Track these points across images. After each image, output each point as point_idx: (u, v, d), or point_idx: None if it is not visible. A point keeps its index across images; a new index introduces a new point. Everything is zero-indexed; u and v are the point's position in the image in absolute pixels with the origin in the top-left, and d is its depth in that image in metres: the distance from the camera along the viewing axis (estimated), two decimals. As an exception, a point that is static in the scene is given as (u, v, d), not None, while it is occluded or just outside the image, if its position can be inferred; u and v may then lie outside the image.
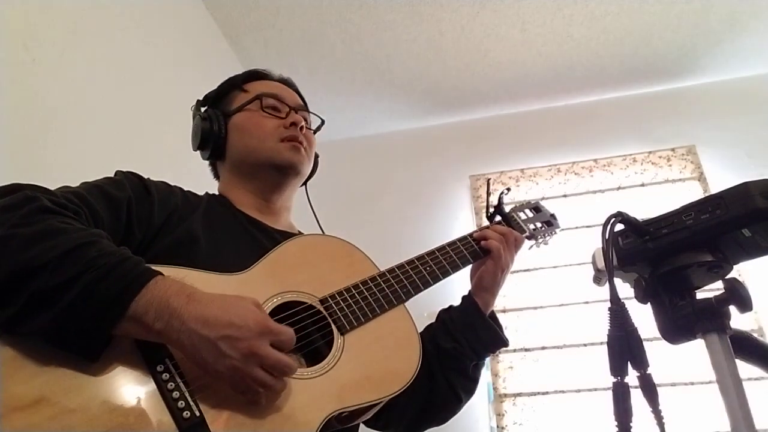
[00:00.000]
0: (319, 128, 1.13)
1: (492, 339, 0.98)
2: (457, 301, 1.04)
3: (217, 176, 1.11)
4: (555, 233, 1.22)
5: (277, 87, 1.08)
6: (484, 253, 1.02)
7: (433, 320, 1.03)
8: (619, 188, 2.76)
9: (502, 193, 1.15)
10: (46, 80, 1.41)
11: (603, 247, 0.64)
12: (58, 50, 1.47)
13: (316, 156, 1.13)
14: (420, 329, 0.90)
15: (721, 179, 2.61)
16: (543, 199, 2.76)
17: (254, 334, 0.65)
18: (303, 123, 1.03)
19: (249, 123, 1.01)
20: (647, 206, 2.55)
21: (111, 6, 1.74)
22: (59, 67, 1.46)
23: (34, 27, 1.39)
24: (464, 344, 0.96)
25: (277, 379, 0.67)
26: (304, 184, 1.12)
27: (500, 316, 1.04)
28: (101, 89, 1.62)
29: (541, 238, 1.18)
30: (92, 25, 1.63)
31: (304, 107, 1.10)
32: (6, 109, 1.26)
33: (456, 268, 0.99)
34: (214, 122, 1.02)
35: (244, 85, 1.07)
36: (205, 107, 1.07)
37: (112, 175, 0.88)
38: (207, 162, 1.12)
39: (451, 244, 1.02)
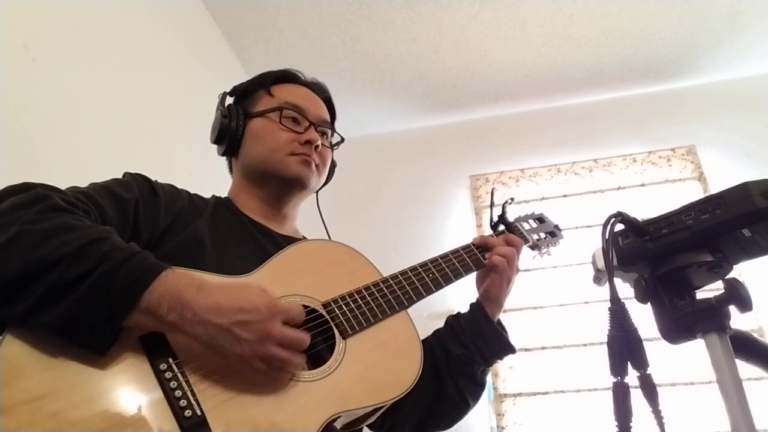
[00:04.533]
0: (338, 145, 1.12)
1: (500, 346, 0.99)
2: (455, 301, 1.04)
3: (231, 170, 1.12)
4: (558, 244, 1.22)
5: (303, 97, 1.06)
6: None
7: (433, 321, 1.03)
8: (619, 188, 2.76)
9: (505, 202, 1.15)
10: (46, 80, 1.41)
11: (603, 247, 0.64)
12: (58, 50, 1.47)
13: (333, 166, 1.13)
14: (420, 329, 0.91)
15: (721, 179, 2.61)
16: (543, 199, 2.80)
17: (265, 315, 0.68)
18: (318, 141, 1.02)
19: (264, 131, 1.01)
20: (647, 206, 2.54)
21: (111, 6, 1.73)
22: (59, 67, 1.46)
23: (34, 27, 1.39)
24: (474, 350, 0.96)
25: (294, 354, 0.70)
26: (316, 192, 1.11)
27: (500, 316, 1.04)
28: (101, 89, 1.61)
29: (544, 248, 1.19)
30: (92, 25, 1.63)
31: (326, 122, 1.08)
32: (6, 109, 1.26)
33: (459, 276, 1.00)
34: (233, 120, 1.02)
35: (272, 88, 1.06)
36: (232, 99, 1.08)
37: (115, 175, 0.89)
38: (213, 158, 1.12)
39: (454, 252, 1.02)
